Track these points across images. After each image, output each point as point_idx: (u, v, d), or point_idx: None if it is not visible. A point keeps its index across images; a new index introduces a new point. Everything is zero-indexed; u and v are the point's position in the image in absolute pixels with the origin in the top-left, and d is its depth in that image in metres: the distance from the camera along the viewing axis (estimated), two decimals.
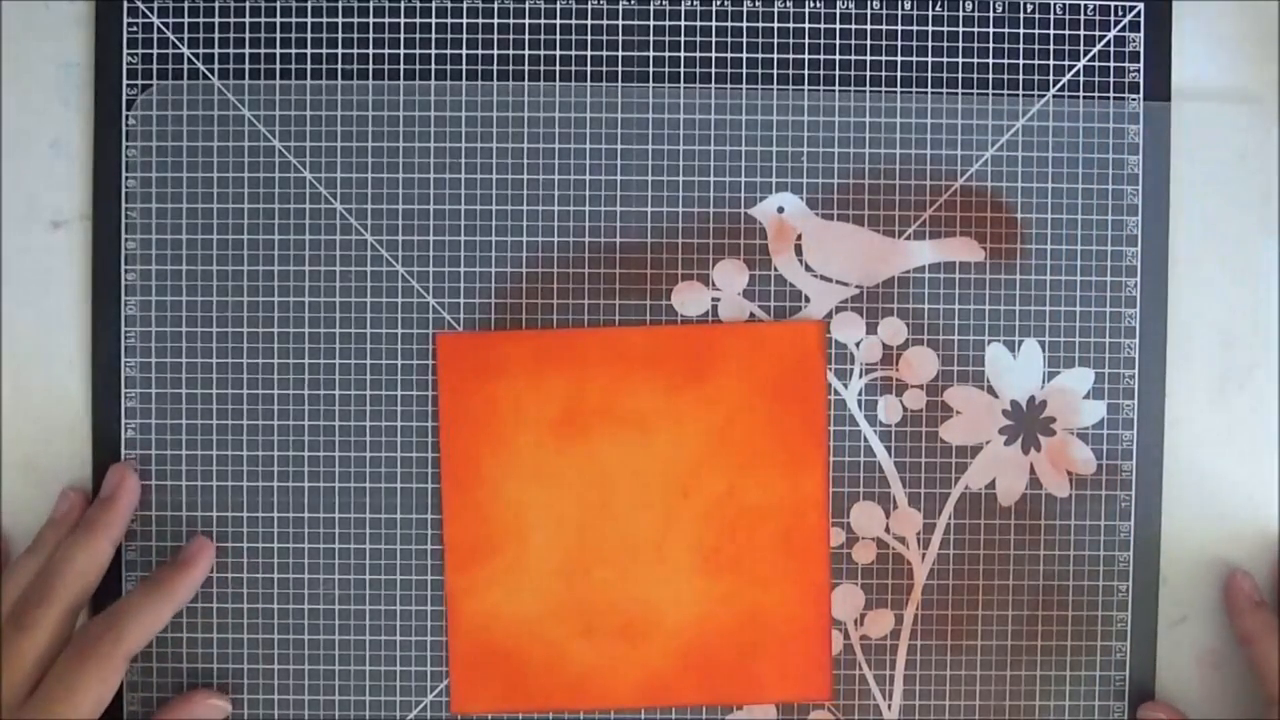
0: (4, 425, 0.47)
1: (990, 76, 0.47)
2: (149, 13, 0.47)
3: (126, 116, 0.47)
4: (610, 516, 0.47)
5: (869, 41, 0.47)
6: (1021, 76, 0.48)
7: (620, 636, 0.47)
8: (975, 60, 0.47)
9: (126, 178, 0.47)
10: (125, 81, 0.47)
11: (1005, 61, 0.47)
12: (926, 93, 0.48)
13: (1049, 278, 0.48)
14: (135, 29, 0.47)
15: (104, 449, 0.47)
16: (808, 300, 0.48)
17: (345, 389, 0.47)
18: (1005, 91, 0.48)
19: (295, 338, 0.47)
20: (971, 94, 0.47)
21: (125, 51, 0.47)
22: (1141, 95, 0.48)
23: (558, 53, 0.47)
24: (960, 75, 0.48)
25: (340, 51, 0.47)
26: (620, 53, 0.47)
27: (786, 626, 0.48)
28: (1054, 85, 0.48)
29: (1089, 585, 0.48)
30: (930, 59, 0.48)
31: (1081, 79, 0.48)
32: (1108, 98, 0.48)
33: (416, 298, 0.47)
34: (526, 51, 0.47)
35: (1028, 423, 0.48)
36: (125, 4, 0.47)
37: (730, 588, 0.47)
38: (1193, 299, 0.48)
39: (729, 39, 0.47)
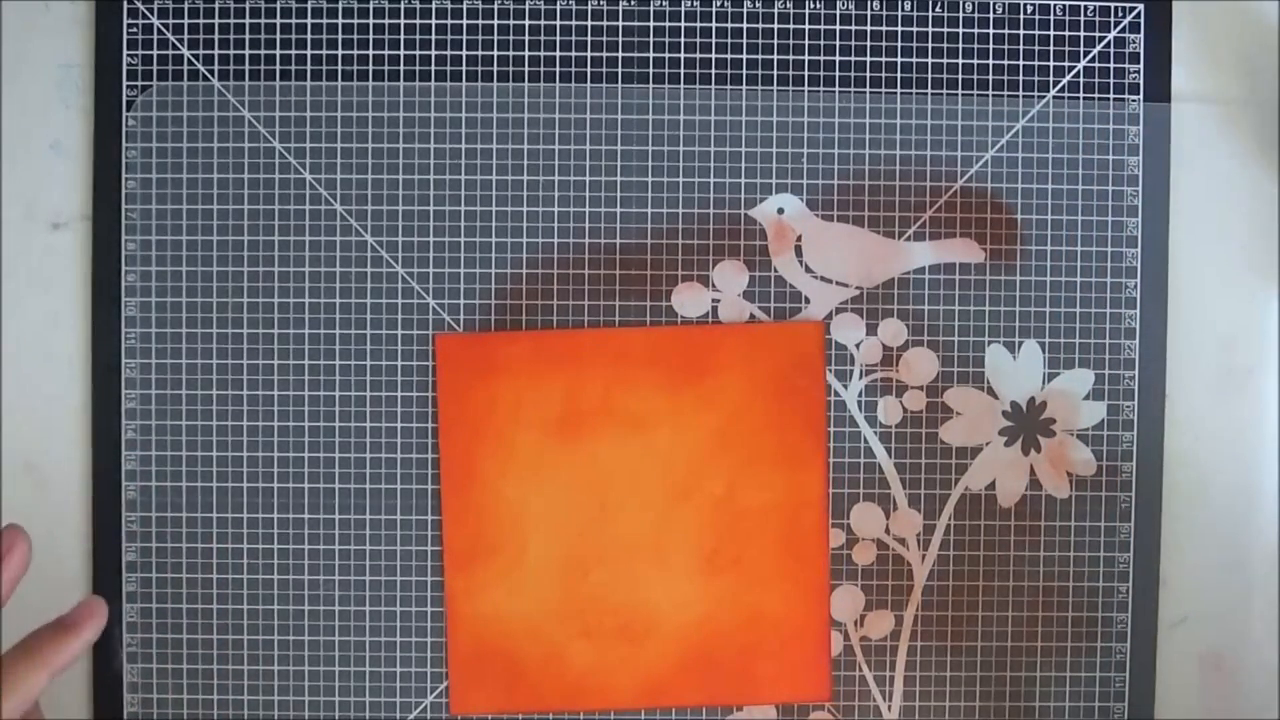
0: (4, 425, 0.47)
1: (990, 77, 0.47)
2: (149, 14, 0.47)
3: (126, 117, 0.47)
4: (609, 517, 0.47)
5: (869, 42, 0.47)
6: (1021, 77, 0.47)
7: (620, 637, 0.47)
8: (975, 61, 0.47)
9: (126, 179, 0.47)
10: (125, 82, 0.47)
11: (1005, 62, 0.47)
12: (926, 93, 0.47)
13: (1049, 278, 0.48)
14: (135, 30, 0.47)
15: (104, 449, 0.47)
16: (807, 301, 0.48)
17: (345, 389, 0.47)
18: (1005, 92, 0.47)
19: (295, 338, 0.47)
20: (971, 94, 0.47)
21: (125, 52, 0.47)
22: (1141, 96, 0.48)
23: (558, 53, 0.47)
24: (960, 76, 0.47)
25: (340, 52, 0.47)
26: (620, 53, 0.47)
27: (786, 627, 0.47)
28: (1054, 86, 0.48)
29: (1089, 586, 0.48)
30: (930, 59, 0.47)
31: (1081, 80, 0.48)
32: (1108, 99, 0.48)
33: (416, 299, 0.47)
34: (526, 52, 0.47)
35: (1028, 424, 0.48)
36: (125, 4, 0.47)
37: (730, 588, 0.47)
38: (1193, 299, 0.48)
39: (729, 39, 0.47)
